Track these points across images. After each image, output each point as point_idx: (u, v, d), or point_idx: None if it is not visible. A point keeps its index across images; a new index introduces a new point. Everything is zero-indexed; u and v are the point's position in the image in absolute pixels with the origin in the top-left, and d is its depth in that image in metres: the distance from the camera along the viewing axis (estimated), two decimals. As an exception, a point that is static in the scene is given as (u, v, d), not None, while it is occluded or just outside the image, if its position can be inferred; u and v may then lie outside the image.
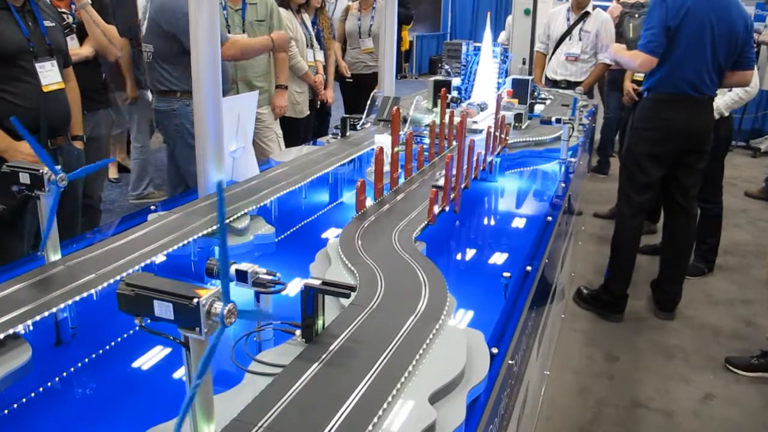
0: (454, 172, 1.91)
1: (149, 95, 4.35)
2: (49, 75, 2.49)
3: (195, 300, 0.76)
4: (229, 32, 3.74)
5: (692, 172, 3.62)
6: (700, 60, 3.30)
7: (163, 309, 0.78)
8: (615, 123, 6.45)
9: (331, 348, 1.07)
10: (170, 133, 3.33)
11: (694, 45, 3.29)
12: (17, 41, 2.36)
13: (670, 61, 3.36)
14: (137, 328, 0.83)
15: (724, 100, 4.14)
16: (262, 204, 1.87)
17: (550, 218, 2.10)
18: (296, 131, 4.54)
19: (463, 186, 2.07)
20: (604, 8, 5.74)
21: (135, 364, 1.23)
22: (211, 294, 0.78)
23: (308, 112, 4.73)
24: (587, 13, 5.46)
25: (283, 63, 4.08)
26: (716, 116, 3.86)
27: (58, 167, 1.33)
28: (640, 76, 4.81)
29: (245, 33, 3.79)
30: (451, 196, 1.92)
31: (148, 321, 0.82)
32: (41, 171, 1.30)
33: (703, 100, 3.41)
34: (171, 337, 0.83)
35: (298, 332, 1.13)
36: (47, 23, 2.55)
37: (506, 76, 3.87)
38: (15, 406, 1.08)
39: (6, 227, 2.42)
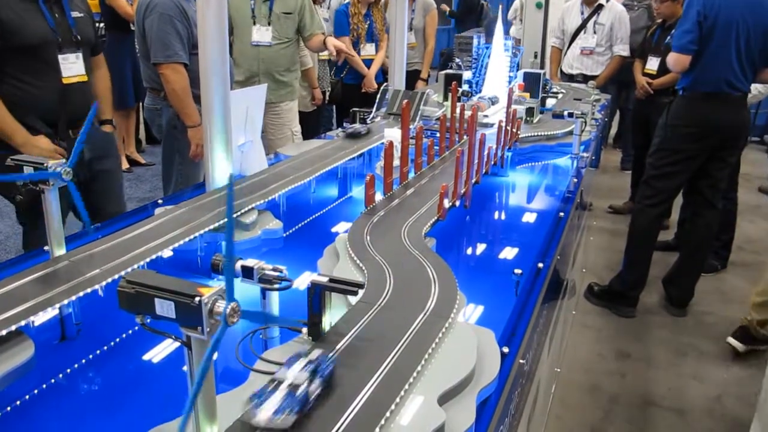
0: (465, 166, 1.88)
1: None
2: (73, 67, 2.49)
3: (197, 299, 0.74)
4: (254, 23, 3.71)
5: (724, 166, 3.63)
6: (733, 57, 3.31)
7: (164, 307, 0.77)
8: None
9: (338, 347, 1.05)
10: (160, 130, 3.34)
11: (728, 42, 3.29)
12: (41, 32, 2.36)
13: (704, 59, 3.36)
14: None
15: None
16: (270, 198, 1.85)
17: (562, 214, 2.07)
18: (305, 125, 4.53)
19: (473, 181, 2.04)
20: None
21: (140, 361, 1.22)
22: (214, 293, 0.76)
23: (314, 107, 4.71)
24: (601, 6, 5.40)
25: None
26: None
27: (64, 161, 1.31)
28: (652, 69, 4.77)
29: (270, 25, 3.76)
30: (462, 191, 1.89)
31: (150, 319, 0.80)
32: (45, 165, 1.29)
33: (738, 97, 3.43)
34: (173, 337, 0.81)
35: (304, 330, 1.11)
36: (75, 14, 2.54)
37: (518, 70, 3.83)
38: (18, 402, 1.07)
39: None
